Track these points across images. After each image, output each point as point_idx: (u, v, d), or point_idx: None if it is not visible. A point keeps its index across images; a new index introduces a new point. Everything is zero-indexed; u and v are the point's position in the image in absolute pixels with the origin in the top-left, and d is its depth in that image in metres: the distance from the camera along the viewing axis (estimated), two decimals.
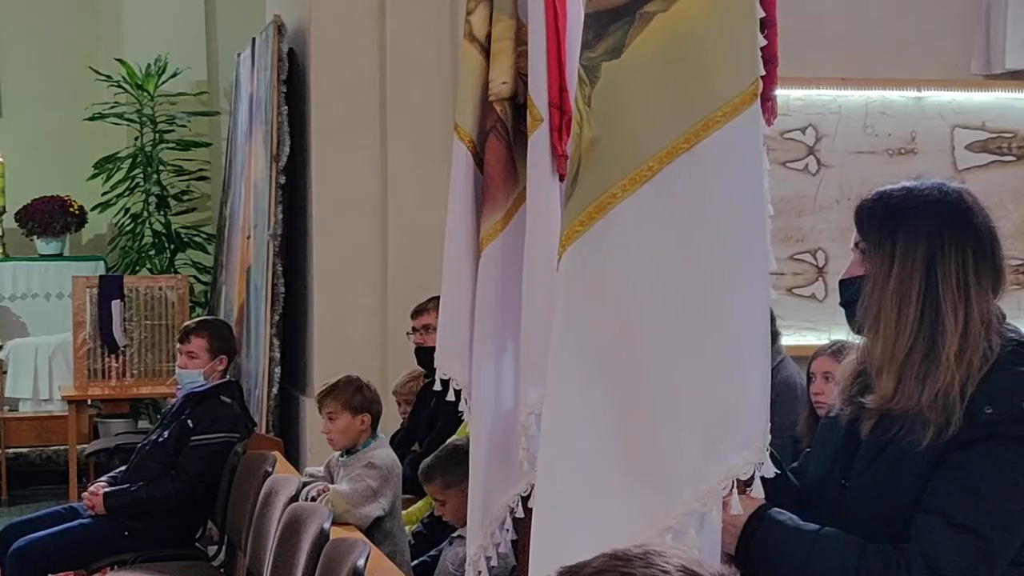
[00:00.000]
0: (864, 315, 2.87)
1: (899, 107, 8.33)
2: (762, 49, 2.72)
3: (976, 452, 2.73)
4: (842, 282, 2.98)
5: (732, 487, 2.64)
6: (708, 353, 2.62)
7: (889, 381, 2.81)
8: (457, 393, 4.00)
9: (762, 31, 2.74)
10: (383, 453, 5.88)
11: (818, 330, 7.88)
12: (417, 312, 7.05)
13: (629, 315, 2.67)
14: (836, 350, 5.06)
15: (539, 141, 3.61)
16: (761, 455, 2.62)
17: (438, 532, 5.85)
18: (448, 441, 5.72)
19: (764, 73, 2.71)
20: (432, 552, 5.75)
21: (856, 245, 2.95)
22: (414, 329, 7.07)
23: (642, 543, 1.71)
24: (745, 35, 2.64)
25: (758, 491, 2.68)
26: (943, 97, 8.39)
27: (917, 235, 2.83)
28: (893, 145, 8.31)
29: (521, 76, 3.74)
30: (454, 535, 5.57)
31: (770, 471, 2.65)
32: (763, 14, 2.74)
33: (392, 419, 7.10)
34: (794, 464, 3.13)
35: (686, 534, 2.61)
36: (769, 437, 2.65)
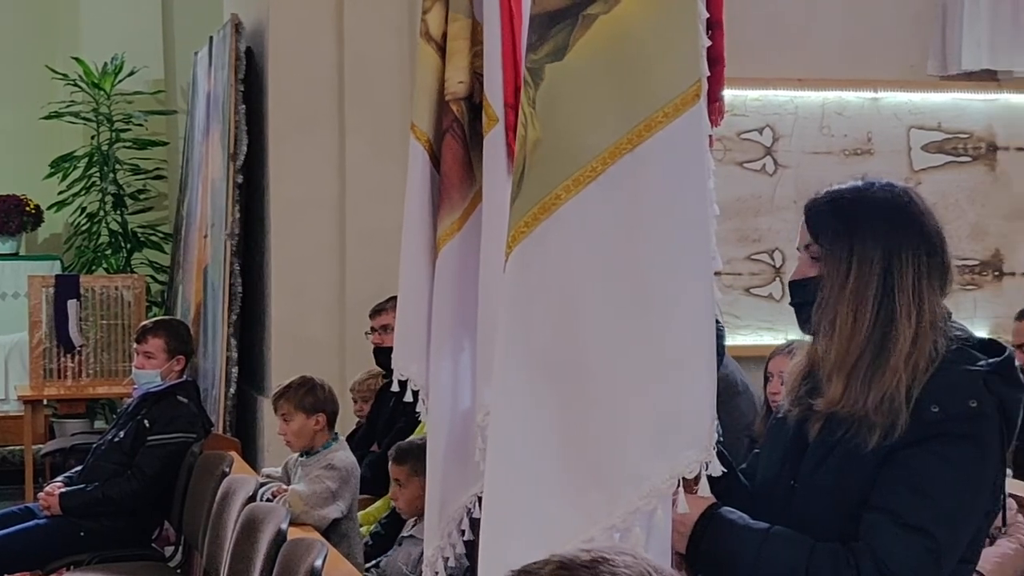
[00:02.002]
0: (820, 318, 2.88)
1: (855, 108, 8.37)
2: (708, 50, 2.73)
3: (923, 451, 2.75)
4: (793, 283, 2.99)
5: (679, 486, 2.65)
6: (653, 353, 2.63)
7: (838, 385, 2.83)
8: (415, 394, 4.00)
9: (708, 32, 2.75)
10: (343, 455, 5.88)
11: (775, 330, 7.91)
12: (375, 312, 7.05)
13: (573, 315, 2.68)
14: (792, 350, 5.08)
15: (495, 141, 3.61)
16: (707, 454, 2.63)
17: (396, 533, 5.85)
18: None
19: (710, 74, 2.72)
20: (389, 553, 5.75)
21: (806, 247, 2.95)
22: (372, 329, 7.07)
23: (592, 547, 1.70)
24: (687, 36, 2.65)
25: (704, 490, 2.69)
26: (899, 98, 8.44)
27: (874, 239, 2.84)
28: (849, 146, 8.35)
29: (477, 76, 3.73)
30: (404, 535, 5.58)
31: (717, 470, 2.66)
32: (708, 15, 2.75)
33: (349, 417, 7.09)
34: (743, 465, 3.14)
35: (631, 533, 2.62)
36: (716, 436, 2.66)
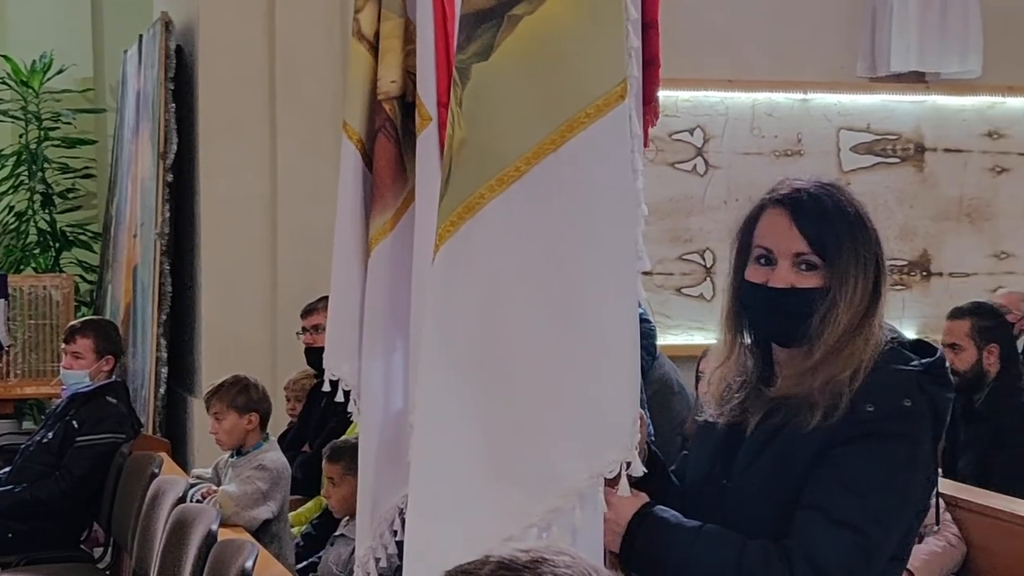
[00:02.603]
0: (828, 331, 2.82)
1: (785, 109, 8.43)
2: (643, 51, 2.73)
3: (856, 449, 2.76)
4: (785, 291, 2.86)
5: (602, 485, 2.66)
6: (575, 352, 2.64)
7: (793, 374, 2.84)
8: (346, 394, 3.99)
9: (643, 33, 2.75)
10: (274, 456, 5.86)
11: (706, 329, 7.94)
12: (307, 312, 7.03)
13: (497, 315, 2.68)
14: None
15: (428, 140, 3.60)
16: (629, 454, 2.64)
17: (327, 533, 5.83)
18: None
19: (644, 75, 2.73)
20: (320, 553, 5.73)
21: (796, 255, 2.86)
22: (304, 329, 7.05)
23: (530, 547, 1.69)
24: (612, 36, 2.65)
25: (624, 490, 2.69)
26: (829, 99, 8.51)
27: (867, 249, 2.85)
28: (780, 147, 8.41)
29: (410, 75, 3.73)
30: (335, 535, 5.57)
31: (639, 470, 2.67)
32: (636, 15, 2.76)
33: (282, 417, 7.06)
34: (672, 467, 3.14)
35: (551, 531, 2.62)
36: (638, 436, 2.66)
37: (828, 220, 2.85)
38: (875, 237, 2.87)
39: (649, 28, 2.81)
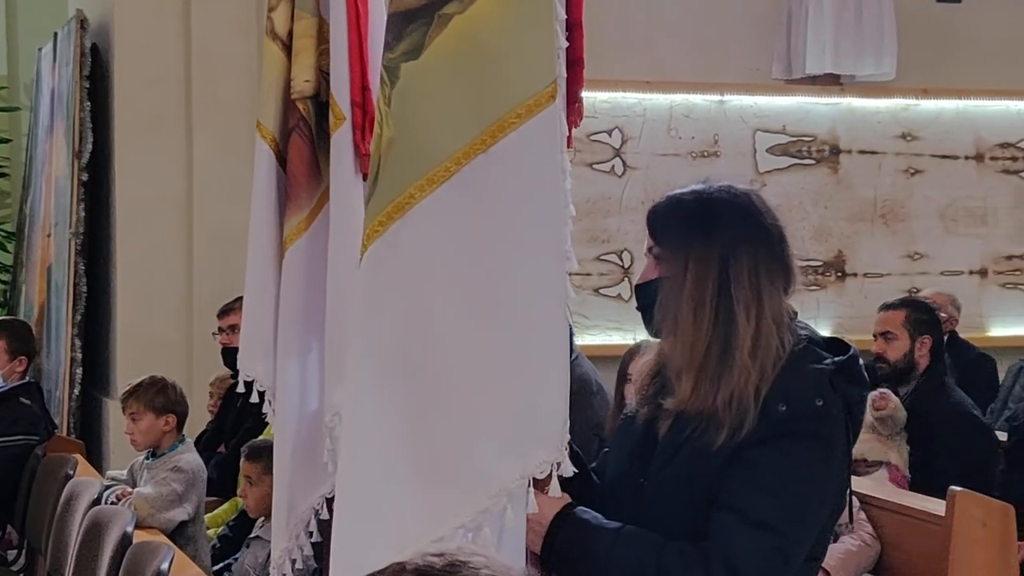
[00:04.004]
0: (662, 318, 2.89)
1: (702, 111, 8.48)
2: (568, 51, 2.74)
3: (770, 450, 2.77)
4: (638, 286, 3.00)
5: (530, 485, 2.66)
6: (505, 353, 2.64)
7: (688, 383, 2.84)
8: (261, 395, 3.97)
9: (567, 34, 2.76)
10: (189, 457, 5.81)
11: (624, 330, 7.98)
12: (224, 312, 6.99)
13: (426, 315, 2.68)
14: (644, 350, 5.12)
15: (341, 140, 3.60)
16: (559, 454, 2.65)
17: (244, 535, 5.80)
18: None
19: (569, 75, 2.73)
20: (237, 555, 5.70)
21: (649, 250, 2.97)
22: (220, 329, 7.00)
23: (443, 550, 1.67)
24: (543, 37, 2.66)
25: (555, 490, 2.70)
26: (745, 101, 8.57)
27: (710, 239, 2.86)
28: (697, 148, 8.46)
29: (324, 74, 3.72)
30: (251, 536, 5.54)
31: (568, 470, 2.67)
32: (565, 16, 2.76)
33: (199, 418, 7.01)
34: (594, 464, 3.15)
35: (481, 532, 2.62)
36: (568, 436, 2.67)
37: (669, 211, 2.96)
38: (731, 227, 2.88)
39: (574, 28, 2.81)
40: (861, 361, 2.94)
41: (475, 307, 2.65)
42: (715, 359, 2.82)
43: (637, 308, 3.01)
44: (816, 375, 2.82)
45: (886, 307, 6.31)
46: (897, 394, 6.02)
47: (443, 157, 2.66)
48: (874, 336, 6.14)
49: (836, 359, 2.86)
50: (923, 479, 5.51)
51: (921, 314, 6.21)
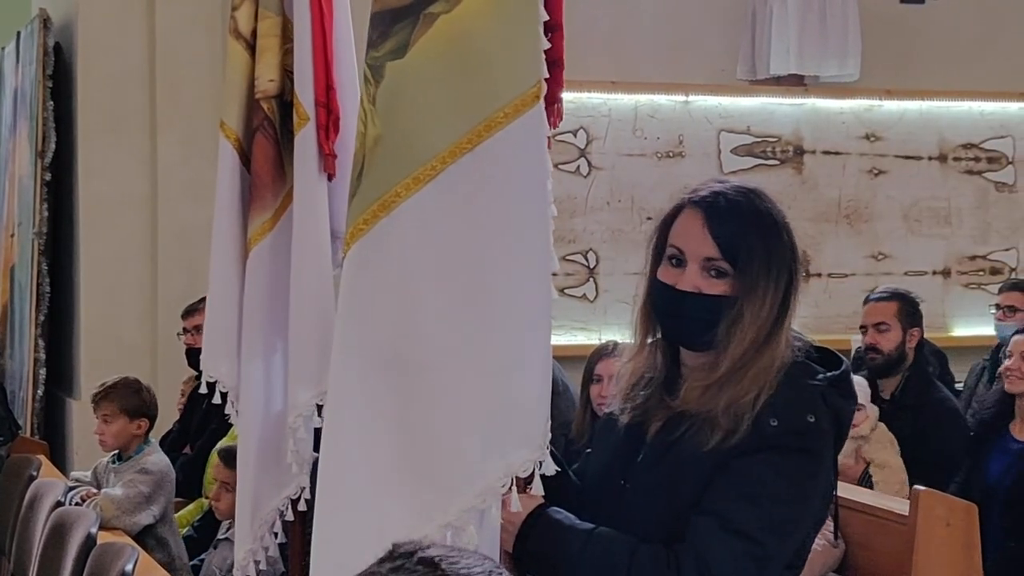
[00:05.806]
0: (734, 343, 2.78)
1: (667, 111, 8.49)
2: (547, 52, 2.74)
3: (758, 460, 2.74)
4: (690, 295, 2.83)
5: (511, 485, 2.67)
6: (488, 352, 2.65)
7: (698, 386, 2.81)
8: (224, 395, 3.96)
9: (547, 34, 2.76)
10: (156, 459, 5.78)
11: (589, 330, 7.97)
12: (188, 312, 6.97)
13: (410, 313, 2.68)
14: (617, 352, 5.11)
15: (305, 140, 3.59)
16: (541, 453, 2.65)
17: (210, 536, 5.79)
18: None
19: (549, 76, 2.74)
20: (203, 556, 5.69)
21: (707, 259, 2.82)
22: (185, 330, 6.98)
23: (431, 543, 1.66)
24: (528, 37, 2.67)
25: (538, 489, 2.71)
26: (710, 102, 8.58)
27: (783, 265, 2.82)
28: (662, 148, 8.47)
29: (288, 74, 3.71)
30: (219, 538, 5.52)
31: (551, 469, 2.67)
32: (547, 17, 2.77)
33: (166, 417, 6.97)
34: (575, 465, 3.14)
35: (466, 531, 2.63)
36: (549, 435, 2.67)
37: (742, 227, 2.81)
38: (791, 248, 2.85)
39: (554, 30, 2.82)
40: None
41: (459, 306, 2.65)
42: (736, 370, 2.78)
43: (682, 315, 2.85)
44: (810, 391, 2.80)
45: (876, 299, 6.35)
46: (878, 388, 6.05)
47: (429, 156, 2.66)
48: (862, 328, 6.19)
49: (829, 375, 2.84)
50: (926, 477, 5.49)
51: (911, 307, 6.28)
